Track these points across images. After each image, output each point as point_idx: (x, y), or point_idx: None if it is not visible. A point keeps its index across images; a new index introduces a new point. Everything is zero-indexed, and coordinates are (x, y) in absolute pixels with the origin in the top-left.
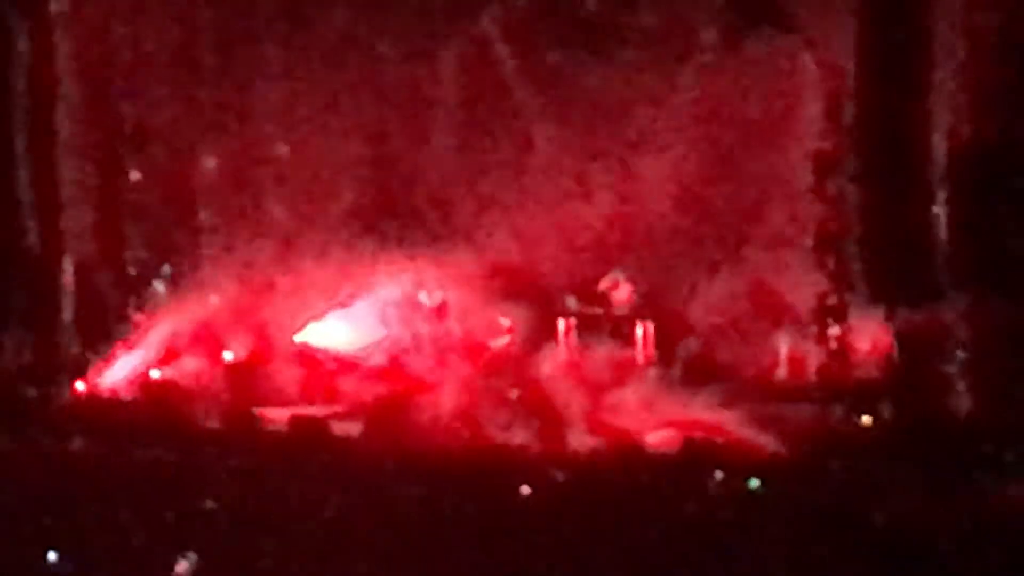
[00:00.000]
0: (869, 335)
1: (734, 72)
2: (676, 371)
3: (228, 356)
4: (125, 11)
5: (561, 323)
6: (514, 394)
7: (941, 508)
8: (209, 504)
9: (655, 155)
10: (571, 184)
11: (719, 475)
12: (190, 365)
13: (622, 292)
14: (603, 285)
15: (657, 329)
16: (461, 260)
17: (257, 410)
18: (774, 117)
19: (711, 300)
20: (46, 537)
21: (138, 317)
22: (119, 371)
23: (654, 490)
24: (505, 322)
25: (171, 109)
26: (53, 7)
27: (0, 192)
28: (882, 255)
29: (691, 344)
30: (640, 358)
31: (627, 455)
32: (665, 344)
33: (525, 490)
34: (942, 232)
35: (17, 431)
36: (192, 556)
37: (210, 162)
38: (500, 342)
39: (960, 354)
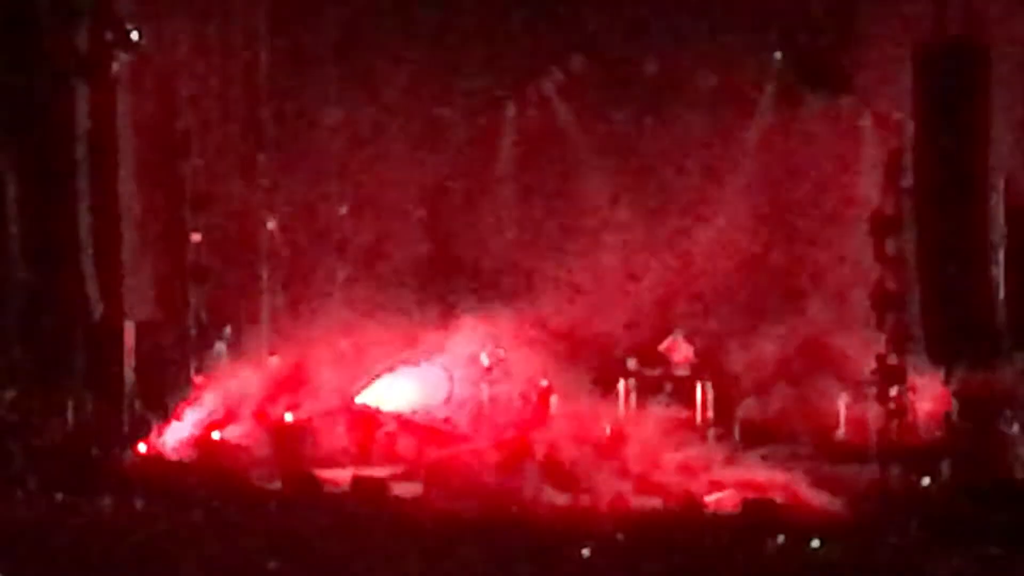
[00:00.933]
0: (929, 396)
1: (792, 133)
2: (735, 432)
3: (288, 417)
4: (186, 73)
5: (621, 384)
6: (573, 455)
7: (1001, 568)
8: (271, 565)
9: (714, 216)
10: (631, 245)
11: (780, 538)
12: (250, 426)
13: (681, 353)
14: (663, 346)
15: (716, 390)
16: (521, 321)
17: (317, 471)
18: (832, 177)
19: (770, 360)
20: None
21: (199, 379)
22: (180, 432)
23: (714, 551)
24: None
25: (232, 171)
26: (114, 67)
27: (62, 255)
28: (941, 315)
29: (750, 405)
30: (699, 419)
31: (687, 516)
32: (724, 405)
33: (586, 552)
34: (1001, 292)
35: (80, 491)
36: None
37: (270, 224)
38: (557, 402)
39: (1020, 413)
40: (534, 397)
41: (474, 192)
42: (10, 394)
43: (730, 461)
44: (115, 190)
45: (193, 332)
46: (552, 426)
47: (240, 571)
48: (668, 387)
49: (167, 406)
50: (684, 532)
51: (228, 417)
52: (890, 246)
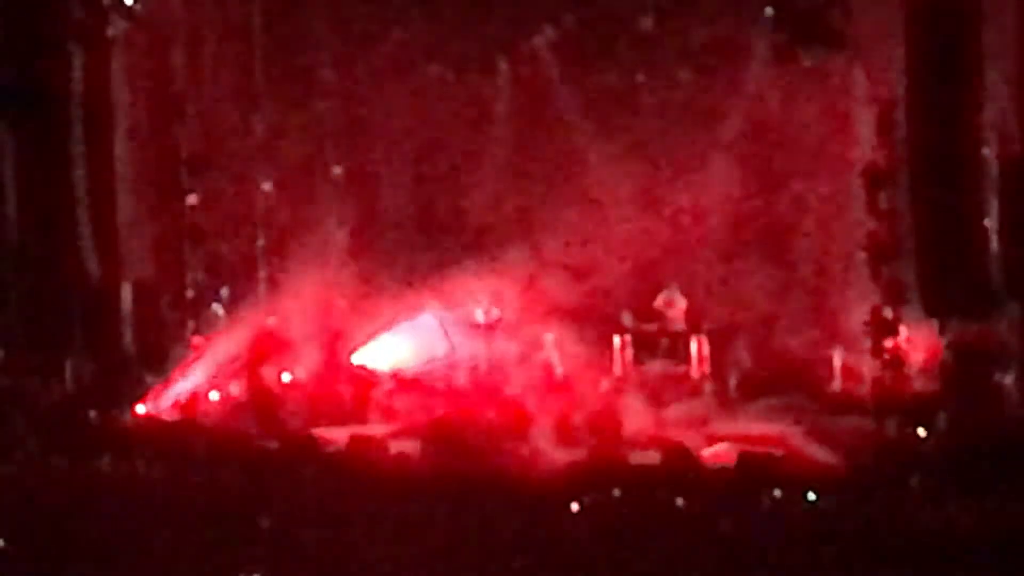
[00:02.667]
0: (923, 347)
1: (785, 88)
2: (731, 386)
3: (286, 377)
4: (181, 36)
5: (617, 340)
6: (569, 411)
7: (996, 518)
8: (268, 523)
9: (708, 172)
10: (625, 202)
11: (777, 492)
12: (248, 387)
13: (677, 309)
14: (658, 302)
15: (711, 344)
16: (516, 278)
17: (315, 430)
18: (826, 132)
19: (765, 314)
20: (108, 557)
21: (197, 340)
22: (178, 393)
23: (710, 504)
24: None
25: (227, 133)
26: (109, 32)
27: (59, 218)
28: (935, 267)
29: (746, 359)
30: (695, 374)
31: (683, 470)
32: (720, 359)
33: (575, 507)
34: (994, 243)
35: (79, 453)
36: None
37: (266, 185)
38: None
39: (1013, 364)
40: (531, 354)
41: (469, 151)
42: (5, 356)
43: (726, 415)
44: (111, 153)
45: (190, 293)
46: (548, 383)
47: (239, 531)
48: (664, 342)
49: (165, 367)
50: (679, 486)
51: (226, 377)
52: (883, 199)
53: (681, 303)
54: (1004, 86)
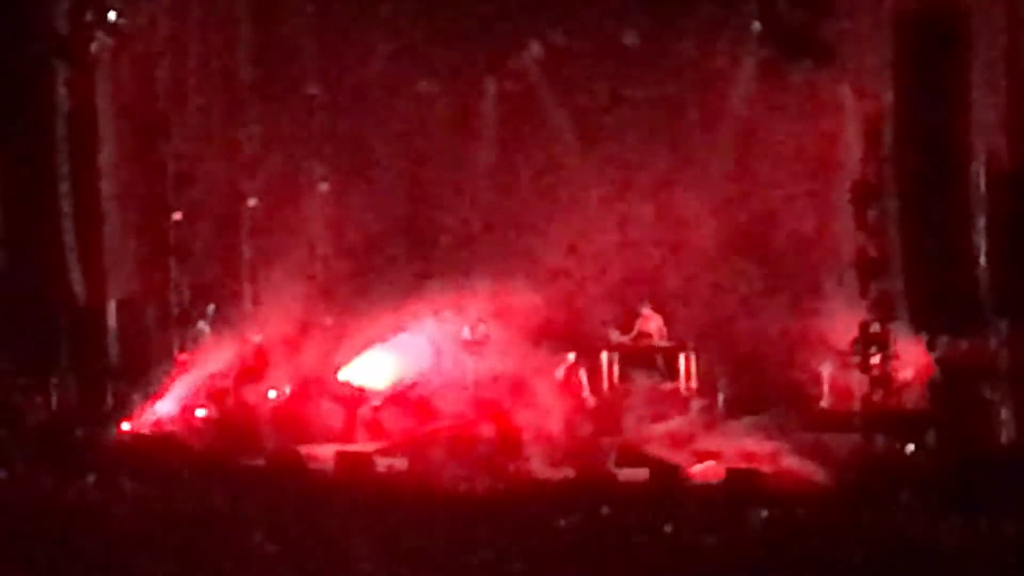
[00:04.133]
0: (912, 363)
1: (773, 103)
2: (719, 403)
3: (272, 394)
4: (165, 52)
5: (604, 356)
6: (557, 427)
7: (985, 536)
8: (256, 541)
9: (696, 187)
10: (613, 218)
11: (765, 510)
12: (234, 404)
13: (652, 324)
14: (637, 323)
15: (699, 360)
16: (503, 295)
17: (302, 447)
18: (813, 148)
19: (753, 330)
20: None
21: (182, 357)
22: (164, 411)
23: (698, 521)
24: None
25: (212, 149)
26: (93, 48)
27: (43, 235)
28: (923, 283)
29: (734, 375)
30: (683, 390)
31: (670, 487)
32: (707, 376)
33: (562, 523)
34: (983, 259)
35: (64, 471)
36: None
37: (252, 201)
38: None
39: (1002, 381)
40: (518, 371)
41: (456, 167)
42: None
43: (714, 431)
44: (96, 170)
45: (176, 310)
46: (536, 399)
47: (225, 548)
48: (654, 359)
49: (150, 385)
50: (668, 503)
51: (212, 395)
52: (872, 215)
53: (656, 319)
54: (992, 102)
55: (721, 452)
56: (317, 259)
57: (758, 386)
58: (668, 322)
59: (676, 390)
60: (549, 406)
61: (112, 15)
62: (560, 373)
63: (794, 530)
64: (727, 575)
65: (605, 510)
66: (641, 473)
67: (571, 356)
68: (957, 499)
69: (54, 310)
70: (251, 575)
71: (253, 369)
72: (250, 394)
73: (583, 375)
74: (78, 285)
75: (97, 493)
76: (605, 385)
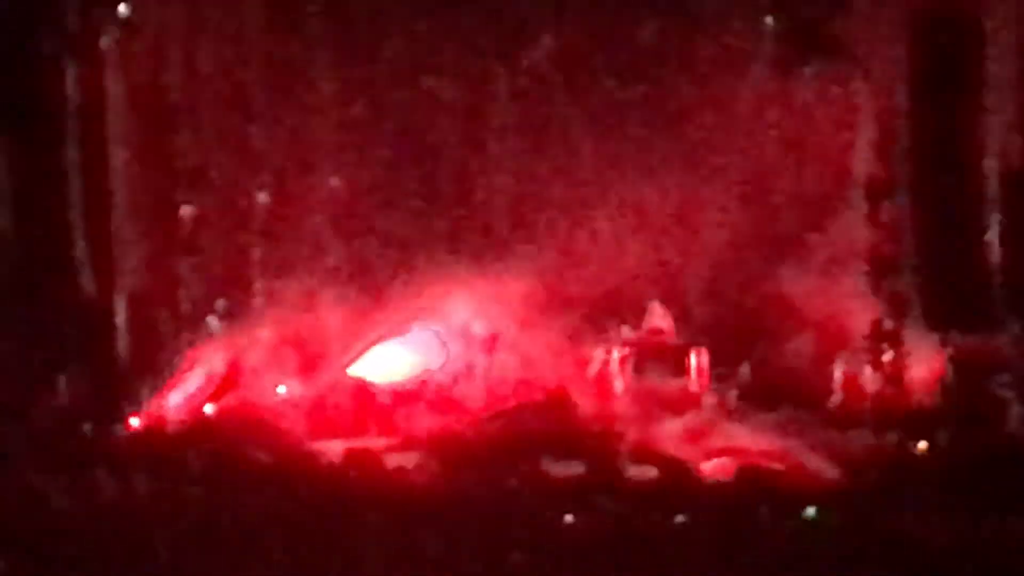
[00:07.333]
0: (924, 361)
1: (788, 99)
2: (731, 399)
3: (282, 390)
4: (175, 47)
5: (615, 352)
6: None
7: (997, 533)
8: (265, 537)
9: (710, 183)
10: (626, 213)
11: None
12: (244, 399)
13: (663, 321)
14: (646, 320)
15: (711, 357)
16: (514, 290)
17: (311, 443)
18: (828, 143)
19: (765, 327)
20: (103, 571)
21: (192, 352)
22: (174, 406)
23: (708, 518)
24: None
25: (223, 145)
26: (103, 44)
27: (53, 231)
28: (936, 280)
29: (745, 372)
30: (694, 386)
31: (682, 484)
32: (719, 373)
33: (568, 519)
34: (996, 257)
35: (74, 467)
36: None
37: (262, 197)
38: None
39: (1015, 379)
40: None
41: (467, 162)
42: None
43: (725, 429)
44: (106, 165)
45: (185, 306)
46: (545, 395)
47: (234, 544)
48: (665, 355)
49: (160, 380)
50: (678, 500)
51: (221, 390)
52: (885, 212)
53: (667, 316)
54: (1006, 99)
55: (732, 449)
56: (328, 254)
57: (770, 383)
58: (679, 318)
59: (687, 387)
60: (559, 403)
61: (122, 9)
62: (594, 368)
63: (804, 528)
64: (737, 572)
65: (614, 507)
66: (651, 471)
67: (598, 354)
68: (969, 497)
69: (63, 305)
70: (259, 571)
71: (263, 365)
72: (259, 390)
73: (593, 371)
74: (87, 280)
75: (106, 488)
76: (616, 382)
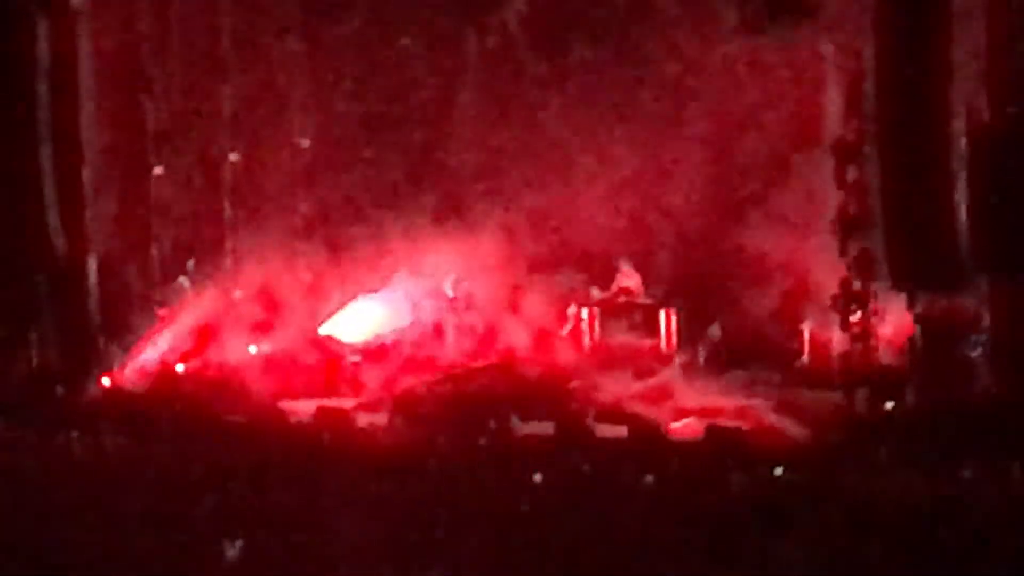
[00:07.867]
0: (892, 321)
1: (755, 59)
2: (699, 359)
3: (253, 349)
4: (146, 7)
5: (584, 312)
6: (538, 385)
7: (964, 491)
8: (236, 496)
9: (678, 144)
10: (594, 174)
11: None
12: (215, 359)
13: (632, 281)
14: (616, 280)
15: (680, 317)
16: (485, 250)
17: (282, 403)
18: (794, 105)
19: (733, 287)
20: (75, 530)
21: (163, 312)
22: (145, 366)
23: (677, 478)
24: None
25: (194, 105)
26: (73, 3)
27: (24, 191)
28: (904, 241)
29: (714, 332)
30: (663, 346)
31: (650, 443)
32: (688, 332)
33: (537, 477)
34: (963, 217)
35: (45, 426)
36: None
37: (233, 157)
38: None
39: (982, 338)
40: (497, 326)
41: (437, 123)
42: None
43: (693, 389)
44: (77, 125)
45: (156, 266)
46: (515, 355)
47: (206, 503)
48: (634, 315)
49: (131, 340)
50: (647, 460)
51: (192, 350)
52: (852, 172)
53: (635, 276)
54: (973, 59)
55: (701, 409)
56: (298, 214)
57: (738, 343)
58: (648, 278)
59: (656, 347)
60: (528, 362)
61: None
62: (564, 327)
63: (773, 488)
64: (706, 532)
65: (584, 467)
66: (620, 430)
67: (567, 313)
68: (936, 456)
69: (35, 266)
70: (231, 530)
71: (234, 324)
72: (231, 349)
73: (562, 331)
74: (58, 240)
75: (78, 448)
76: (585, 342)
